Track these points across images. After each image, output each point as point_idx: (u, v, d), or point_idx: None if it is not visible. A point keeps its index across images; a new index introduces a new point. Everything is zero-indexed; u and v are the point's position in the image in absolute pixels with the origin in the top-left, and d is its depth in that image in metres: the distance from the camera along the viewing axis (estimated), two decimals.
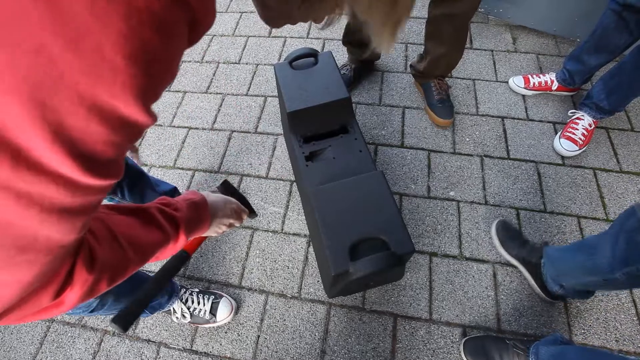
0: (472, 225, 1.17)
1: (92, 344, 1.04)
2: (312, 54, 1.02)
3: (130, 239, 0.39)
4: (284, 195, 1.26)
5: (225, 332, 1.03)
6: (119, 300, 0.78)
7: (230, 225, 0.65)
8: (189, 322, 1.02)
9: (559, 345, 0.79)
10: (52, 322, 1.08)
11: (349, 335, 1.01)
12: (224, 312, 1.02)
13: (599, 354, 0.73)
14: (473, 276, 1.08)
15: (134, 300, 0.56)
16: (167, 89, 1.58)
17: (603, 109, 1.22)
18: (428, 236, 1.15)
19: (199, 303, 1.02)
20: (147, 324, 1.05)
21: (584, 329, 0.99)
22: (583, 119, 1.27)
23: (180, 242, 0.49)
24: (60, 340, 1.05)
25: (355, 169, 0.89)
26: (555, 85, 1.38)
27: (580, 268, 0.84)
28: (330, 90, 0.94)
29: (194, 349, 1.01)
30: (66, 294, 0.31)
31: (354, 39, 1.39)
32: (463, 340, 0.96)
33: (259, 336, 1.02)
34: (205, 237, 0.67)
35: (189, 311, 1.01)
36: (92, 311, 0.73)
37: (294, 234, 1.18)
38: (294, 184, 1.28)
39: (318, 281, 1.10)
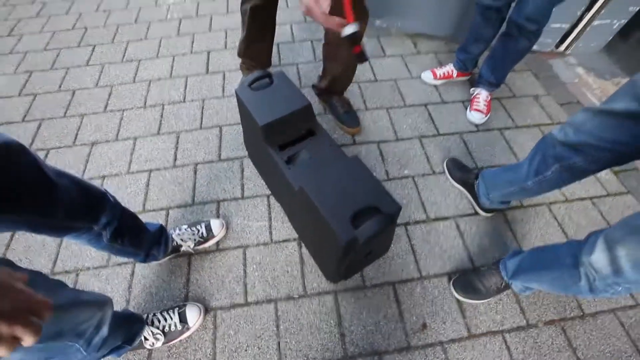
0: (429, 193, 1.38)
1: None
2: (267, 75, 1.16)
3: None
4: (264, 209, 1.33)
5: (246, 350, 1.04)
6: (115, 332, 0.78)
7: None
8: (163, 342, 0.99)
9: (518, 256, 1.01)
10: None
11: (360, 312, 1.11)
12: (193, 315, 1.03)
13: (543, 250, 0.93)
14: (442, 232, 1.28)
15: None
16: (113, 139, 1.54)
17: (492, 84, 1.60)
18: None
19: (166, 319, 1.01)
20: None
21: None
22: (481, 94, 1.63)
23: None
24: None
25: (331, 161, 1.03)
26: (455, 73, 1.75)
27: (505, 181, 1.12)
28: (292, 101, 1.08)
29: None
30: None
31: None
32: (451, 282, 1.14)
33: (279, 342, 1.05)
34: None
35: (161, 330, 0.99)
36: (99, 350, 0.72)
37: (284, 241, 1.25)
38: (271, 197, 1.36)
39: (319, 275, 1.18)
